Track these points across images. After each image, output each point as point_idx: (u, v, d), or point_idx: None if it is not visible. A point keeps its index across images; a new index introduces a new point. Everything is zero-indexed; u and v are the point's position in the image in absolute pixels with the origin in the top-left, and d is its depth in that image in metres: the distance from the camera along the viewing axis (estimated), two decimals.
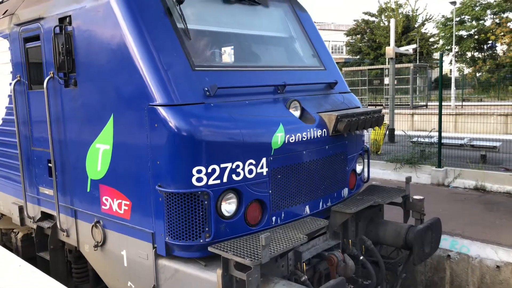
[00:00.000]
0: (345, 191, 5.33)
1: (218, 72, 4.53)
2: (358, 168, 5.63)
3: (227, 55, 5.05)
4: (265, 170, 4.32)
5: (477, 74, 48.31)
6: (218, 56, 4.90)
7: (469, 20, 46.74)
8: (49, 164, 5.51)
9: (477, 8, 45.79)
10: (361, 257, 4.93)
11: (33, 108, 5.68)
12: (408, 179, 5.61)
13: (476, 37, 46.94)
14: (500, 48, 47.87)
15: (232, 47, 5.16)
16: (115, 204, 4.60)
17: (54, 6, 5.15)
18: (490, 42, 46.63)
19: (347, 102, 5.58)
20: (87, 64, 4.73)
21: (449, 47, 46.54)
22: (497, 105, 28.50)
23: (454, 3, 41.86)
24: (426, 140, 12.10)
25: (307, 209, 4.77)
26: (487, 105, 30.14)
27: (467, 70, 50.36)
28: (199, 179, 3.97)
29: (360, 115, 5.05)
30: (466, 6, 45.92)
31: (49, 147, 5.38)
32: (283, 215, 4.52)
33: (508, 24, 44.08)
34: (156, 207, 4.15)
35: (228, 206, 4.13)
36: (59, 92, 5.13)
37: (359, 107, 5.67)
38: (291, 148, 4.51)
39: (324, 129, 4.86)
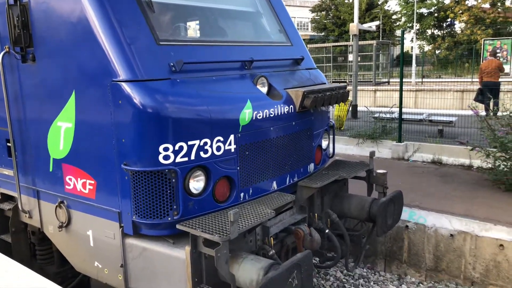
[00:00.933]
0: (311, 166, 5.37)
1: (184, 47, 4.40)
2: (324, 144, 5.67)
3: (193, 29, 4.90)
4: (233, 147, 4.27)
5: (437, 52, 49.49)
6: (184, 31, 4.76)
7: None
8: (8, 144, 5.27)
9: None
10: (327, 231, 5.02)
11: None
12: (372, 154, 5.71)
13: (436, 15, 47.92)
14: (458, 26, 49.12)
15: (198, 21, 5.01)
16: (79, 183, 4.47)
17: None
18: (449, 20, 47.72)
19: (314, 78, 5.57)
20: (45, 38, 4.49)
21: (410, 25, 47.37)
22: (455, 81, 29.38)
23: None
24: (388, 115, 12.36)
25: (274, 184, 4.78)
26: (445, 81, 31.03)
27: (427, 48, 51.49)
28: (166, 157, 3.88)
29: (326, 91, 5.06)
30: None
31: (7, 126, 5.13)
32: (251, 191, 4.51)
33: (466, 2, 45.10)
34: (122, 186, 4.05)
35: (196, 184, 4.08)
36: (16, 68, 4.87)
37: (325, 83, 5.68)
38: (258, 125, 4.48)
39: (291, 105, 4.84)
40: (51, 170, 4.75)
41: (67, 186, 4.62)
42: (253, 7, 5.59)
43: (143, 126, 3.85)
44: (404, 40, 11.64)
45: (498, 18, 42.58)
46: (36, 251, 5.61)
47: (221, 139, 4.18)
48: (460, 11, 44.60)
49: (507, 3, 42.99)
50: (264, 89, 4.78)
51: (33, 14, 4.55)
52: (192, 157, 4.01)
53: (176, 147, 3.91)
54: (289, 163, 4.94)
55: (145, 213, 3.94)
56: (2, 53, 4.90)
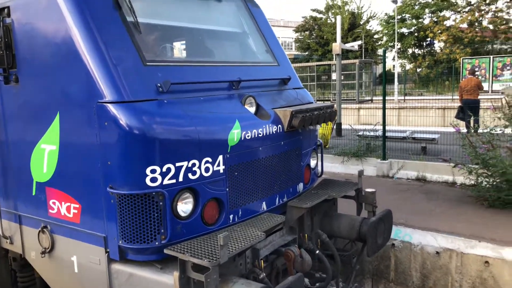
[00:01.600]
0: (300, 186, 5.31)
1: (171, 67, 4.34)
2: (312, 163, 5.62)
3: (180, 50, 4.85)
4: (221, 168, 4.19)
5: (418, 70, 50.38)
6: (170, 51, 4.70)
7: (410, 18, 48.60)
8: None
9: (416, 7, 47.67)
10: (317, 251, 4.93)
11: None
12: (360, 173, 5.68)
13: (416, 34, 48.90)
14: (438, 45, 50.17)
15: (185, 42, 4.97)
16: (64, 207, 4.32)
17: None
18: (428, 39, 48.71)
19: (301, 97, 5.54)
20: (29, 59, 4.39)
21: (392, 44, 48.25)
22: (436, 99, 29.84)
23: (395, 1, 43.36)
24: (372, 133, 12.44)
25: (264, 205, 4.70)
26: (427, 99, 31.49)
27: (408, 66, 52.40)
28: (153, 179, 3.78)
29: (313, 110, 5.03)
30: (407, 5, 47.68)
31: None
32: (240, 212, 4.42)
33: (445, 22, 46.17)
34: (108, 209, 3.93)
35: (184, 206, 3.97)
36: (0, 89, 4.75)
37: (312, 102, 5.66)
38: (247, 145, 4.41)
39: (279, 125, 4.79)
40: (34, 193, 4.60)
41: (50, 210, 4.46)
42: (239, 28, 5.58)
43: (129, 148, 3.75)
44: (386, 59, 11.80)
45: (475, 37, 43.61)
46: (17, 278, 5.38)
47: (210, 160, 4.10)
48: (439, 31, 45.55)
49: (484, 23, 44.10)
50: (252, 109, 4.73)
51: (16, 35, 4.46)
52: (180, 179, 3.91)
53: (164, 169, 3.81)
54: (278, 183, 4.87)
55: (132, 237, 3.81)
56: None
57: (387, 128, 11.34)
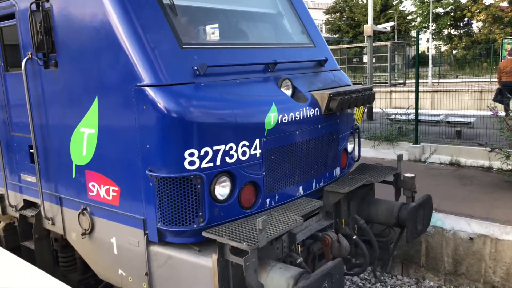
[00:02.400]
0: (337, 171, 5.23)
1: (207, 50, 4.31)
2: (349, 147, 5.53)
3: (215, 32, 4.81)
4: (258, 151, 4.17)
5: (454, 52, 48.74)
6: (206, 34, 4.67)
7: None
8: (31, 150, 5.24)
9: None
10: (354, 237, 4.87)
11: (11, 91, 5.37)
12: (400, 157, 5.55)
13: (452, 14, 47.17)
14: (476, 25, 48.32)
15: (220, 24, 4.92)
16: (103, 190, 4.40)
17: None
18: (466, 19, 46.94)
19: (338, 80, 5.44)
20: (67, 44, 4.45)
21: (426, 25, 46.72)
22: (472, 81, 28.82)
23: None
24: (404, 117, 12.15)
25: (300, 190, 4.66)
26: (463, 81, 30.45)
27: (443, 48, 50.75)
28: (191, 163, 3.79)
29: (352, 93, 4.92)
30: None
31: (29, 132, 5.11)
32: (277, 197, 4.39)
33: (484, 0, 44.34)
34: (146, 192, 3.97)
35: (222, 190, 3.98)
36: (38, 74, 4.84)
37: (349, 85, 5.54)
38: (284, 128, 4.37)
39: (317, 108, 4.71)
40: (73, 176, 4.70)
41: (90, 193, 4.56)
42: (275, 9, 5.49)
43: (167, 131, 3.77)
44: (420, 41, 11.44)
45: None
46: (59, 258, 5.57)
47: (247, 143, 4.08)
48: (478, 10, 43.80)
49: None
50: (289, 92, 4.66)
51: (55, 20, 4.51)
52: (218, 162, 3.91)
53: (202, 153, 3.82)
54: (315, 168, 4.81)
55: (171, 220, 3.85)
56: (25, 59, 4.88)
57: (420, 111, 11.04)
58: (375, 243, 4.99)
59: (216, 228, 3.82)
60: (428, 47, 42.76)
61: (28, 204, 5.59)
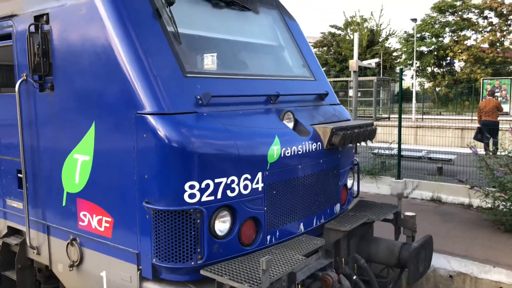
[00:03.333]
0: (337, 207, 5.06)
1: (210, 80, 4.18)
2: (349, 183, 5.38)
3: (218, 62, 4.69)
4: (260, 185, 3.98)
5: (437, 89, 49.78)
6: (209, 63, 4.54)
7: (429, 36, 48.18)
8: (19, 175, 4.97)
9: (436, 26, 47.28)
10: (354, 277, 4.66)
11: (1, 113, 5.13)
12: (400, 196, 5.41)
13: (435, 53, 48.42)
14: (458, 65, 49.58)
15: (222, 53, 4.80)
16: (95, 220, 4.15)
17: (29, 3, 4.66)
18: (448, 58, 48.19)
19: (338, 114, 5.33)
20: (66, 67, 4.27)
21: (410, 62, 47.79)
22: (454, 119, 29.29)
23: (415, 20, 43.13)
24: (387, 152, 12.17)
25: (301, 226, 4.46)
26: (445, 118, 30.95)
27: (427, 85, 51.82)
28: (191, 195, 3.59)
29: (354, 128, 4.81)
30: (426, 23, 47.34)
31: (19, 156, 4.85)
32: (277, 233, 4.19)
33: (465, 41, 45.67)
34: (142, 225, 3.74)
35: (222, 225, 3.77)
36: (33, 97, 4.63)
37: (349, 119, 5.44)
38: (286, 162, 4.20)
39: (319, 142, 4.58)
40: (64, 204, 4.44)
41: (80, 223, 4.29)
42: (276, 41, 5.42)
43: (168, 161, 3.58)
44: (405, 77, 11.60)
45: (497, 58, 43.02)
46: None
47: (249, 177, 3.90)
48: (460, 50, 45.06)
49: (506, 44, 43.51)
50: (290, 125, 4.53)
51: (54, 43, 4.35)
52: (219, 195, 3.71)
53: (203, 185, 3.62)
54: (316, 204, 4.64)
55: (167, 255, 3.61)
56: (19, 80, 4.67)
57: (402, 147, 11.07)
58: (376, 284, 4.78)
59: (215, 266, 3.59)
60: (412, 84, 43.56)
61: (12, 232, 5.27)
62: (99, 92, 3.98)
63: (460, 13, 46.38)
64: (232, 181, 3.78)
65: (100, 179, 4.05)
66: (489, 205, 8.04)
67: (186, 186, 3.57)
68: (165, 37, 4.01)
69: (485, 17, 45.37)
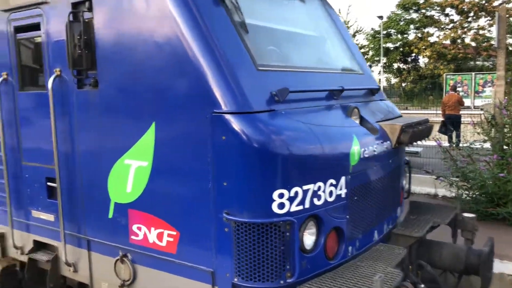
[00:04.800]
0: (399, 210, 4.64)
1: (278, 73, 3.64)
2: (403, 183, 4.97)
3: (280, 54, 4.14)
4: (344, 191, 3.50)
5: (403, 84, 50.59)
6: (275, 56, 3.99)
7: (395, 33, 48.82)
8: (49, 183, 4.29)
9: (401, 23, 47.94)
10: (422, 286, 4.25)
11: (26, 114, 4.41)
12: (460, 197, 5.03)
13: (401, 49, 49.13)
14: (422, 61, 50.53)
15: (282, 45, 4.25)
16: (153, 234, 3.55)
17: None
18: (413, 54, 49.01)
19: (391, 110, 4.90)
20: (113, 60, 3.64)
21: (377, 58, 48.32)
22: (420, 113, 29.65)
23: (381, 17, 43.58)
24: None
25: (375, 234, 4.01)
26: (411, 113, 31.31)
27: (394, 80, 52.61)
28: (280, 205, 3.07)
29: (417, 124, 4.40)
30: (392, 20, 47.93)
31: (49, 162, 4.17)
32: (357, 243, 3.72)
33: (429, 38, 46.53)
34: (219, 239, 3.19)
35: (309, 238, 3.27)
36: (69, 95, 3.96)
37: (401, 115, 5.02)
38: (365, 164, 3.74)
39: (388, 141, 4.13)
40: (110, 216, 3.82)
41: (133, 237, 3.69)
42: (326, 32, 4.91)
43: (255, 167, 3.04)
44: (372, 73, 11.42)
45: (458, 54, 44.02)
46: None
47: (334, 182, 3.41)
48: (423, 47, 45.83)
49: (467, 40, 44.56)
50: (357, 122, 4.06)
51: (98, 32, 3.70)
52: (307, 205, 3.21)
53: (292, 193, 3.11)
54: (386, 208, 4.20)
55: (251, 274, 3.08)
56: (52, 77, 3.98)
57: None
58: None
59: (308, 284, 3.09)
60: (379, 79, 44.04)
61: (38, 246, 4.57)
62: (162, 88, 3.38)
63: (423, 10, 47.16)
64: (319, 188, 3.29)
65: (161, 187, 3.46)
66: (453, 194, 8.10)
67: (275, 195, 3.05)
68: (234, 27, 3.45)
69: (447, 15, 46.33)
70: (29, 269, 4.56)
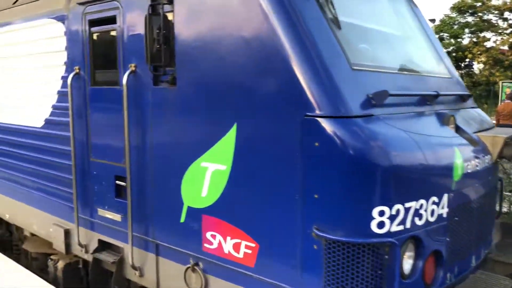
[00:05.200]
0: (493, 233, 4.14)
1: (373, 74, 3.26)
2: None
3: (373, 53, 3.75)
4: (445, 210, 3.08)
5: None
6: (366, 54, 3.61)
7: (448, 37, 46.80)
8: (117, 182, 4.11)
9: (455, 27, 45.88)
10: None
11: (97, 109, 4.26)
12: None
13: (454, 54, 47.05)
14: (477, 67, 48.17)
15: (373, 43, 3.87)
16: (229, 243, 3.27)
17: None
18: (467, 60, 46.79)
19: (485, 119, 4.40)
20: (194, 56, 3.38)
21: None
22: None
23: (433, 20, 41.84)
24: None
25: (473, 260, 3.54)
26: None
27: None
28: (380, 224, 2.69)
29: None
30: (445, 24, 45.95)
31: (119, 160, 3.99)
32: (456, 270, 3.28)
33: (485, 43, 44.27)
34: (306, 256, 2.86)
35: (408, 261, 2.88)
36: (143, 91, 3.75)
37: (495, 126, 4.51)
38: (467, 180, 3.29)
39: (488, 155, 3.65)
40: (182, 220, 3.57)
41: (206, 245, 3.42)
42: (413, 31, 4.47)
43: (354, 179, 2.68)
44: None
45: None
46: None
47: (436, 199, 3.00)
48: (479, 52, 43.65)
49: None
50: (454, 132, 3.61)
51: (178, 26, 3.46)
52: (408, 224, 2.82)
53: (393, 211, 2.73)
54: (484, 230, 3.72)
55: None
56: (127, 72, 3.79)
57: None
58: None
59: None
60: None
61: (103, 246, 4.41)
62: (247, 87, 3.09)
63: (480, 14, 44.91)
64: (421, 206, 2.88)
65: (240, 194, 3.17)
66: (505, 209, 7.28)
67: (375, 212, 2.68)
68: (326, 22, 3.11)
69: (505, 19, 43.92)
70: (93, 269, 4.41)
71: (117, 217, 4.13)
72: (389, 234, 2.71)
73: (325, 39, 3.02)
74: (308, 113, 2.78)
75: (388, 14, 4.24)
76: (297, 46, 2.87)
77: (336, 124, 2.71)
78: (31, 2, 5.04)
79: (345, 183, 2.69)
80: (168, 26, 3.48)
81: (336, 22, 3.19)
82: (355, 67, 3.07)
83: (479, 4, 44.61)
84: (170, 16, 3.50)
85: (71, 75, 4.33)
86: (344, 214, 2.71)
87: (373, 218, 2.68)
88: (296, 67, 2.84)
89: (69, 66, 4.47)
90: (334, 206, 2.73)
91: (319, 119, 2.75)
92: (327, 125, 2.72)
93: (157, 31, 3.46)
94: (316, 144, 2.75)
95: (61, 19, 4.52)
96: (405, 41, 4.29)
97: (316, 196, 2.78)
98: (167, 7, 3.50)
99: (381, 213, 2.69)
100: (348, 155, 2.66)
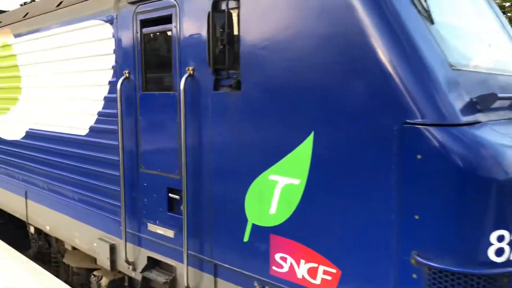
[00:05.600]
0: None
1: (471, 74, 2.82)
2: None
3: (464, 51, 3.31)
4: None
5: None
6: (459, 52, 3.17)
7: None
8: (170, 194, 3.76)
9: None
10: None
11: (149, 117, 3.93)
12: None
13: None
14: None
15: (462, 41, 3.43)
16: (303, 268, 2.86)
17: None
18: None
19: None
20: (263, 58, 3.00)
21: None
22: None
23: None
24: None
25: None
26: None
27: None
28: (499, 252, 2.25)
29: None
30: None
31: (172, 171, 3.65)
32: None
33: None
34: (402, 287, 2.42)
35: None
36: (202, 96, 3.40)
37: None
38: None
39: None
40: (246, 240, 3.18)
41: (275, 268, 3.02)
42: (495, 30, 4.00)
43: (467, 199, 2.25)
44: None
45: None
46: None
47: None
48: None
49: None
50: None
51: (245, 25, 3.09)
52: None
53: None
54: None
55: None
56: (184, 76, 3.44)
57: None
58: None
59: None
60: None
61: (152, 264, 4.06)
62: (328, 91, 2.69)
63: (509, 14, 43.59)
64: None
65: (318, 212, 2.77)
66: None
67: (493, 237, 2.23)
68: (422, 18, 2.69)
69: None
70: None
71: (169, 233, 3.78)
72: (509, 263, 2.26)
73: (421, 34, 2.60)
74: (408, 120, 2.36)
75: (467, 8, 3.80)
76: (392, 42, 2.47)
77: (443, 134, 2.29)
78: (76, 3, 4.79)
79: (456, 202, 2.26)
80: (233, 24, 3.13)
81: (429, 15, 2.78)
82: (454, 67, 2.64)
83: (508, 4, 43.26)
84: (235, 13, 3.15)
85: (120, 80, 4.02)
86: (455, 240, 2.28)
87: (491, 244, 2.23)
88: (393, 67, 2.43)
89: (117, 70, 4.17)
90: (441, 229, 2.30)
91: (422, 127, 2.33)
92: (433, 135, 2.30)
93: (221, 30, 3.11)
94: (418, 156, 2.33)
95: (109, 20, 4.23)
96: (491, 39, 3.82)
97: (416, 217, 2.35)
98: (232, 3, 3.14)
99: (500, 239, 2.24)
100: (460, 170, 2.23)
